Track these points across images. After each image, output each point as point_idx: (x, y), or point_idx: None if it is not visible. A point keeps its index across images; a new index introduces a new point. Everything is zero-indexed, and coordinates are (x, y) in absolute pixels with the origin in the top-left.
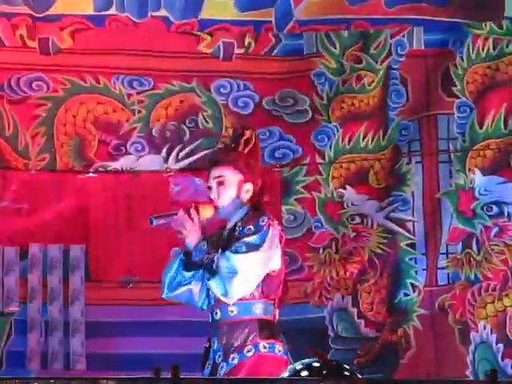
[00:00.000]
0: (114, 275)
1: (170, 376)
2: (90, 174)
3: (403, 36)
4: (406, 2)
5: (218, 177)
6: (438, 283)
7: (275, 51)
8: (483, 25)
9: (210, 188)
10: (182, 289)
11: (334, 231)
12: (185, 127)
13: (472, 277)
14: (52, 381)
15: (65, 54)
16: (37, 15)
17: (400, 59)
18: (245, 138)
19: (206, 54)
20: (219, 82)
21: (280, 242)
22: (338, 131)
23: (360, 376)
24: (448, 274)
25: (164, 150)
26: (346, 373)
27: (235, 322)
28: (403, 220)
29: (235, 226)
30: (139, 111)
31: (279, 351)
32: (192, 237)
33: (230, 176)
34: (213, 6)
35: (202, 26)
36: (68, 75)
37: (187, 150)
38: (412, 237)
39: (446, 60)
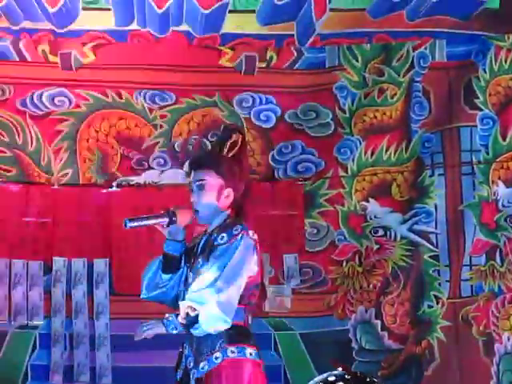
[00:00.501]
0: (137, 289)
1: None
2: (113, 189)
3: (425, 48)
4: (427, 14)
5: (199, 180)
6: (461, 295)
7: (297, 65)
8: (506, 37)
9: (191, 191)
10: (159, 291)
11: (357, 244)
12: (207, 141)
13: (495, 288)
14: None
15: (87, 69)
16: (59, 31)
17: (422, 72)
18: (231, 141)
19: (228, 68)
20: (241, 95)
21: (255, 249)
22: (360, 144)
23: None
24: (471, 285)
25: (186, 165)
26: None
27: None
28: (426, 232)
29: (212, 232)
30: (161, 126)
31: (250, 354)
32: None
33: (211, 180)
34: (235, 20)
35: (224, 40)
36: (90, 90)
37: None
38: (435, 249)
39: (469, 72)
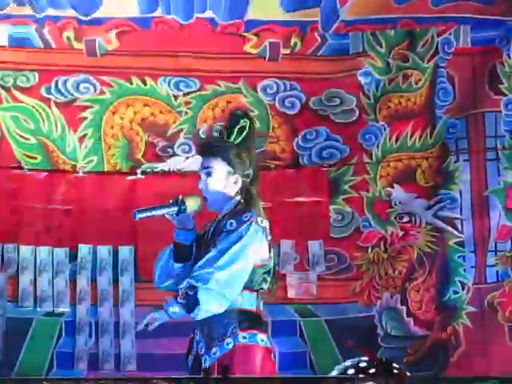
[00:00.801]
0: None
1: (219, 376)
2: (138, 176)
3: (450, 34)
4: (452, 0)
5: (207, 167)
6: (486, 281)
7: (321, 51)
8: None
9: (199, 178)
10: (172, 280)
11: (382, 230)
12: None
13: None
14: (103, 381)
15: (111, 56)
16: (83, 18)
17: (447, 57)
18: (238, 126)
19: (252, 54)
20: (266, 82)
21: (265, 235)
22: (385, 130)
23: (409, 374)
24: (497, 271)
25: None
26: (396, 371)
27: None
28: (451, 218)
29: (222, 218)
30: (186, 113)
31: (262, 340)
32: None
33: (219, 167)
34: (259, 6)
35: (248, 26)
36: (115, 77)
37: None
38: (460, 235)
39: (493, 58)
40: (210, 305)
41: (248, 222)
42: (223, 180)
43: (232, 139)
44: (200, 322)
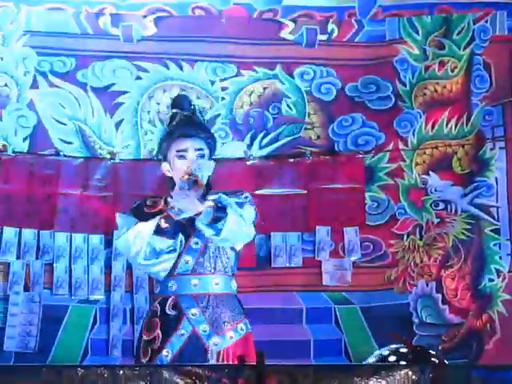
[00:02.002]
0: None
1: (255, 363)
2: None
3: (486, 21)
4: None
5: (199, 149)
6: None
7: (358, 38)
8: None
9: (182, 157)
10: (155, 258)
11: (417, 217)
12: (268, 114)
13: None
14: (137, 368)
15: (148, 42)
16: (120, 3)
17: (483, 44)
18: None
19: (289, 40)
20: (302, 68)
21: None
22: (421, 117)
23: (445, 361)
24: None
25: (247, 137)
26: (431, 358)
27: (219, 295)
28: (487, 206)
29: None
30: (223, 98)
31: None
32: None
33: (206, 150)
34: None
35: (285, 12)
36: (151, 62)
37: (270, 136)
38: (496, 222)
39: None
40: (235, 234)
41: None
42: (210, 163)
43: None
44: (197, 302)
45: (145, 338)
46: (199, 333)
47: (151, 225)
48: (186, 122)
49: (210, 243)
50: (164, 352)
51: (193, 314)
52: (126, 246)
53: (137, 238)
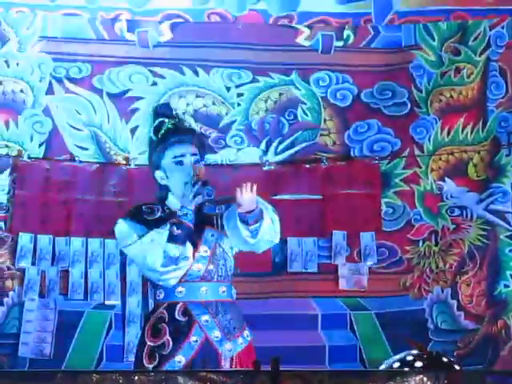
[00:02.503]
0: None
1: (270, 369)
2: None
3: (502, 27)
4: None
5: (194, 155)
6: None
7: (374, 44)
8: None
9: (179, 163)
10: (173, 265)
11: (433, 224)
12: (284, 120)
13: None
14: (152, 374)
15: (164, 48)
16: (136, 9)
17: (499, 51)
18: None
19: (304, 46)
20: (318, 74)
21: None
22: (436, 123)
23: (460, 367)
24: None
25: (263, 143)
26: (447, 364)
27: (226, 302)
28: (503, 212)
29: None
30: (238, 104)
31: None
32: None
33: (198, 156)
34: None
35: (301, 18)
36: (167, 68)
37: (286, 142)
38: None
39: None
40: (267, 238)
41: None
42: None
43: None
44: (207, 309)
45: (150, 343)
46: (211, 339)
47: (164, 232)
48: (175, 128)
49: (217, 251)
50: (177, 358)
51: (205, 321)
52: (140, 254)
53: (152, 245)
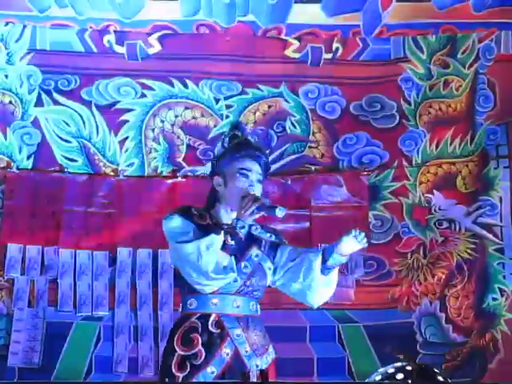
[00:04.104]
0: None
1: (259, 381)
2: (178, 179)
3: (491, 40)
4: (494, 5)
5: (259, 174)
6: None
7: (362, 56)
8: None
9: (245, 176)
10: (223, 275)
11: (421, 236)
12: (273, 132)
13: None
14: None
15: (153, 60)
16: (125, 21)
17: (488, 64)
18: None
19: (293, 58)
20: (307, 86)
21: None
22: (425, 136)
23: (448, 380)
24: None
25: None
26: (435, 376)
27: (256, 318)
28: (491, 225)
29: (254, 224)
30: (227, 116)
31: None
32: None
33: (262, 177)
34: (300, 10)
35: (290, 30)
36: (156, 80)
37: (275, 155)
38: (500, 241)
39: None
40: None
41: None
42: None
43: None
44: (239, 323)
45: (181, 352)
46: (241, 354)
47: (221, 239)
48: (247, 144)
49: (256, 270)
50: (209, 369)
51: (237, 335)
52: (196, 254)
53: (209, 249)
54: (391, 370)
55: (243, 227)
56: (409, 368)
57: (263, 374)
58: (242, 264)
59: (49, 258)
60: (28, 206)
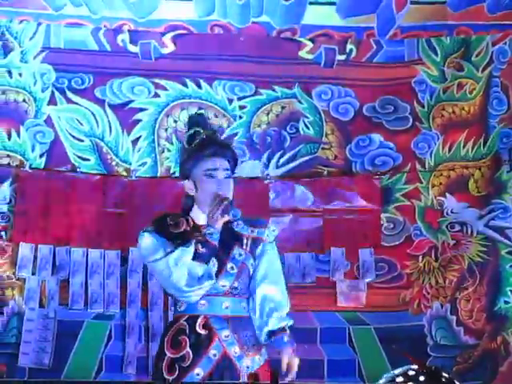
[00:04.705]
0: None
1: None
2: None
3: (505, 43)
4: (509, 7)
5: (226, 170)
6: None
7: (376, 58)
8: None
9: (211, 176)
10: (198, 285)
11: (433, 239)
12: (286, 133)
13: None
14: None
15: (166, 59)
16: (139, 20)
17: (501, 67)
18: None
19: (307, 60)
20: (320, 88)
21: None
22: (438, 139)
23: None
24: None
25: (265, 156)
26: (444, 379)
27: (245, 318)
28: (503, 228)
29: (235, 222)
30: (240, 117)
31: None
32: None
33: (230, 172)
34: (314, 12)
35: (304, 31)
36: (169, 80)
37: (288, 156)
38: None
39: None
40: None
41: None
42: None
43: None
44: (228, 324)
45: (170, 355)
46: (231, 355)
47: (190, 250)
48: (210, 141)
49: (243, 269)
50: (196, 371)
51: (225, 336)
52: (166, 271)
53: (178, 263)
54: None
55: (212, 234)
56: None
57: (254, 375)
58: (228, 265)
59: (60, 259)
60: (40, 205)
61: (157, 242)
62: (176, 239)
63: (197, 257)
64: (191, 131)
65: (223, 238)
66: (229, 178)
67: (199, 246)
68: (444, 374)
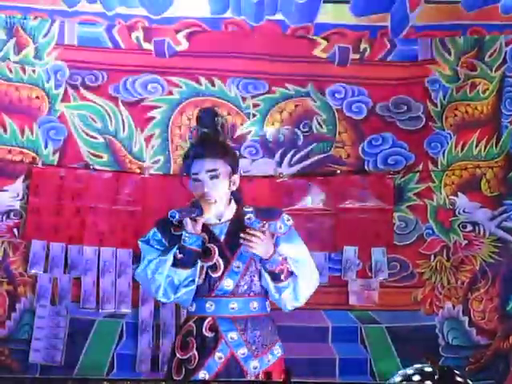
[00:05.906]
0: None
1: (281, 380)
2: None
3: None
4: None
5: (211, 170)
6: None
7: (390, 57)
8: None
9: (195, 181)
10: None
11: (445, 238)
12: (299, 131)
13: None
14: (163, 383)
15: (180, 57)
16: (153, 17)
17: None
18: (220, 125)
19: (321, 58)
20: (334, 87)
21: None
22: (451, 138)
23: (471, 383)
24: None
25: (278, 154)
26: (458, 379)
27: (258, 317)
28: None
29: (237, 219)
30: (254, 115)
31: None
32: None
33: (222, 169)
34: (328, 10)
35: (318, 30)
36: (183, 77)
37: (301, 154)
38: None
39: None
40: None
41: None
42: (228, 181)
43: (221, 139)
44: (235, 325)
45: (179, 356)
46: (238, 356)
47: (169, 258)
48: (201, 140)
49: (251, 266)
50: (201, 374)
51: (231, 338)
52: (144, 281)
53: (155, 273)
54: (410, 372)
55: (187, 238)
56: (423, 372)
57: (267, 374)
58: (234, 264)
59: (73, 257)
60: (53, 202)
61: (143, 251)
62: (175, 241)
63: (176, 264)
64: (192, 128)
65: (231, 236)
66: (216, 177)
67: (177, 253)
68: (458, 373)
